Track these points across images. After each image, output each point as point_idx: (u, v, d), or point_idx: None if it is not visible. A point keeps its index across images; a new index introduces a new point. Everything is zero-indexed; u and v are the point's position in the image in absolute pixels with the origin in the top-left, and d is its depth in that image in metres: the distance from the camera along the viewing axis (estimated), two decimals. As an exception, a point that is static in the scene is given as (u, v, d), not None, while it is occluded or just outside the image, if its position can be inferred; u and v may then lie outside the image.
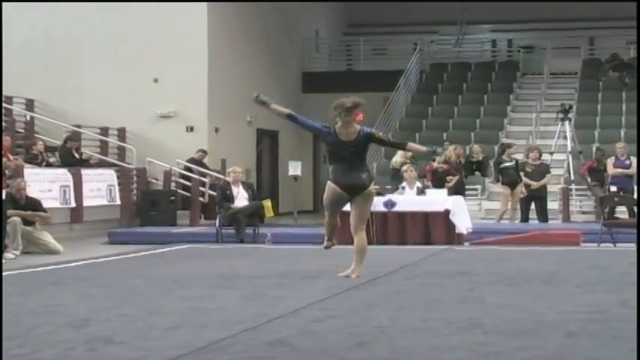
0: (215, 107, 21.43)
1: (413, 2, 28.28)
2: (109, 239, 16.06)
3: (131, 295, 7.98)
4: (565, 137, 20.24)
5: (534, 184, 17.56)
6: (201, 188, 19.60)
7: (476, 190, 20.02)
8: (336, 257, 9.97)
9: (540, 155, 18.23)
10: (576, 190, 19.75)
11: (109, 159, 20.23)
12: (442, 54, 28.53)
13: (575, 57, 26.69)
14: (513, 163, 17.72)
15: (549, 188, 18.25)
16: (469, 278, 9.04)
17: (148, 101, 21.10)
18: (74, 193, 17.07)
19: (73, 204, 17.10)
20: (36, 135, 19.62)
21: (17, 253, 13.10)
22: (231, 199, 15.71)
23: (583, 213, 19.68)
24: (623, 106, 23.56)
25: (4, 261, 11.82)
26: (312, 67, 27.22)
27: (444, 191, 15.47)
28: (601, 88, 25.07)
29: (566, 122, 20.25)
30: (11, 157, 15.67)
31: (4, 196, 13.43)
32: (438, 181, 17.20)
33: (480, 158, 19.76)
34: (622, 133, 22.19)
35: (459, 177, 17.80)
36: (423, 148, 9.91)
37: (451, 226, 14.23)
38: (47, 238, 13.91)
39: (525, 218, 17.63)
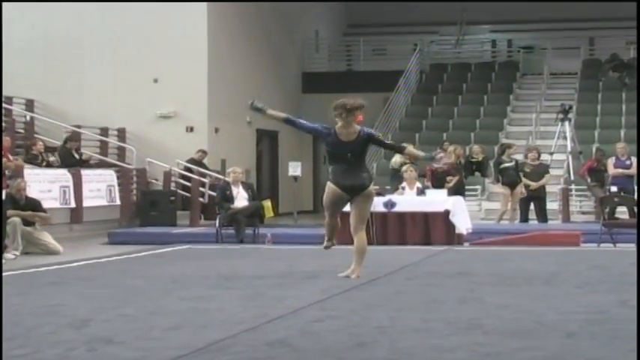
0: (215, 107, 21.43)
1: (413, 2, 28.28)
2: (109, 239, 16.05)
3: (131, 295, 7.98)
4: (565, 137, 20.24)
5: (533, 185, 17.57)
6: (201, 188, 19.59)
7: (476, 190, 20.02)
8: (336, 257, 9.96)
9: (539, 155, 18.23)
10: (576, 190, 19.75)
11: (108, 159, 20.23)
12: (442, 54, 28.55)
13: (575, 57, 26.67)
14: (513, 163, 17.71)
15: (549, 188, 18.26)
16: (469, 279, 9.04)
17: (148, 101, 21.09)
18: (74, 193, 17.08)
19: (73, 204, 17.11)
20: (36, 135, 19.62)
21: (17, 253, 13.10)
22: (231, 199, 15.69)
23: (583, 213, 19.69)
24: (623, 107, 23.56)
25: (4, 261, 11.82)
26: (312, 67, 27.21)
27: (443, 191, 15.46)
28: (601, 89, 25.06)
29: (566, 122, 20.24)
30: (11, 157, 15.66)
31: (4, 197, 13.42)
32: (438, 182, 17.19)
33: (480, 159, 19.77)
34: (622, 133, 22.19)
35: (459, 177, 17.77)
36: (422, 154, 9.92)
37: (451, 226, 14.23)
38: (47, 238, 13.89)
39: (525, 218, 17.64)
